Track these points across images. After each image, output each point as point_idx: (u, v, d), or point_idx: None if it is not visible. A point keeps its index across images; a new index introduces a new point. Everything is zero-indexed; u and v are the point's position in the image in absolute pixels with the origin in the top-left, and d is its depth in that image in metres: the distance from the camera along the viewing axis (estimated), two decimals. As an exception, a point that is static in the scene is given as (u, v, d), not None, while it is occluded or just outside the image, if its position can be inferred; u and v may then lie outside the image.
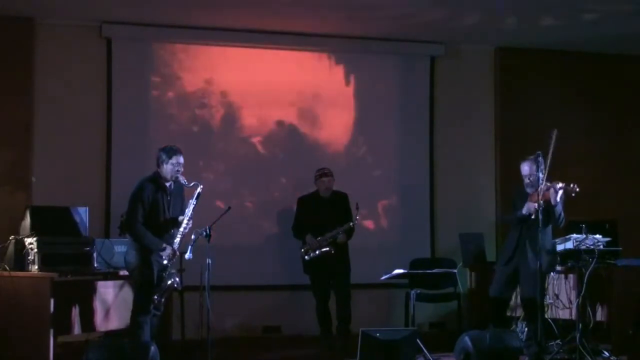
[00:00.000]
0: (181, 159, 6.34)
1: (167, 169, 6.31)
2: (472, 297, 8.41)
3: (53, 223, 6.85)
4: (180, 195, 6.48)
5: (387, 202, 8.95)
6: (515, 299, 7.32)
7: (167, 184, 6.36)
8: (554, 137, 6.56)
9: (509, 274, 6.96)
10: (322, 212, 7.74)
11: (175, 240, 6.30)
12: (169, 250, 6.25)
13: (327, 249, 7.61)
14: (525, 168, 6.91)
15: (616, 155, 9.43)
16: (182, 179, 6.34)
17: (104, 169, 8.23)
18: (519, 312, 7.43)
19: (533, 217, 6.78)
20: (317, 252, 7.64)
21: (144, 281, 6.23)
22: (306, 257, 7.68)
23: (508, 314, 7.35)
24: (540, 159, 6.73)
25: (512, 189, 7.41)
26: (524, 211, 6.84)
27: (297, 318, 8.41)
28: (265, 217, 8.65)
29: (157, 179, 6.34)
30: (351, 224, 7.62)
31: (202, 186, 6.36)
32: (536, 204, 6.67)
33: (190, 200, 6.34)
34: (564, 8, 7.90)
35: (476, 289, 8.37)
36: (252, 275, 8.44)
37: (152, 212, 6.26)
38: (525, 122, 9.19)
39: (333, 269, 7.73)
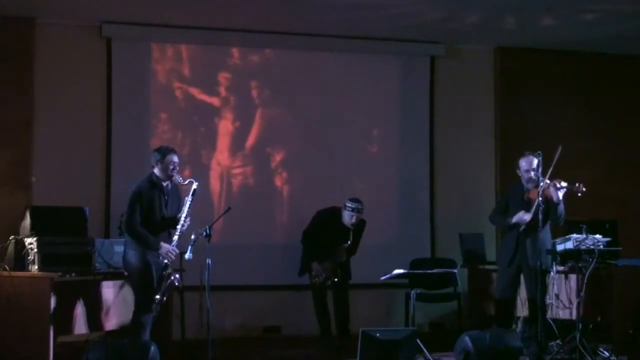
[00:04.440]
0: (175, 158, 6.40)
1: (162, 168, 6.36)
2: (472, 297, 8.41)
3: (53, 223, 6.84)
4: (177, 194, 6.54)
5: (387, 202, 8.94)
6: (514, 299, 7.33)
7: (164, 184, 6.40)
8: (558, 153, 6.55)
9: (512, 274, 6.96)
10: (338, 234, 7.74)
11: (173, 239, 6.33)
12: (167, 249, 6.26)
13: (332, 273, 7.73)
14: (524, 164, 6.91)
15: (616, 155, 9.43)
16: (177, 177, 6.39)
17: (104, 169, 8.23)
18: (519, 312, 7.43)
19: (522, 228, 6.79)
20: (323, 276, 7.72)
21: (144, 281, 6.25)
22: (315, 280, 7.78)
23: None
24: (540, 158, 6.74)
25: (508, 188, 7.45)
26: (515, 220, 6.85)
27: (297, 318, 8.41)
28: (266, 217, 8.65)
29: (153, 180, 6.39)
30: (346, 244, 7.69)
31: (197, 183, 6.42)
32: (527, 217, 6.70)
33: (186, 198, 6.39)
34: (564, 8, 7.90)
35: (476, 289, 8.37)
36: (252, 275, 8.44)
37: (149, 212, 6.31)
38: (525, 122, 9.20)
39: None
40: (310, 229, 7.96)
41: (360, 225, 7.88)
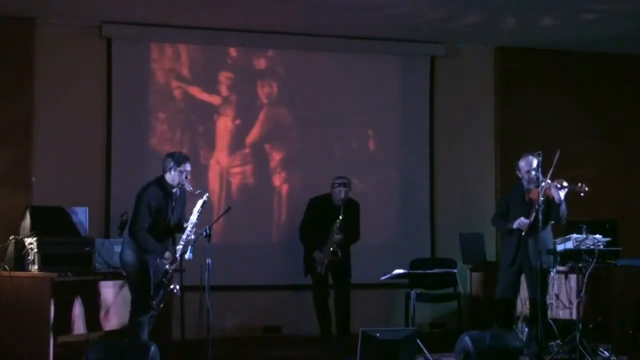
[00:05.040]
0: (188, 167, 6.34)
1: (175, 175, 6.29)
2: (472, 297, 8.42)
3: (53, 223, 6.85)
4: (182, 202, 6.50)
5: (387, 202, 8.94)
6: (516, 300, 7.32)
7: (173, 190, 6.36)
8: (557, 156, 6.56)
9: (514, 275, 6.96)
10: (332, 217, 7.73)
11: (177, 247, 6.29)
12: (169, 256, 6.25)
13: (333, 255, 7.67)
14: (523, 164, 6.91)
15: (616, 155, 9.43)
16: (189, 186, 6.34)
17: (104, 169, 8.23)
18: (519, 312, 7.43)
19: (523, 233, 6.78)
20: (326, 262, 7.69)
21: (141, 280, 6.23)
22: (319, 270, 7.73)
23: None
24: (540, 158, 6.74)
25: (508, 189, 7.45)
26: (515, 225, 6.85)
27: (297, 318, 8.41)
28: (266, 217, 8.65)
29: (163, 185, 6.33)
30: (338, 221, 7.66)
31: (207, 194, 6.36)
32: (527, 221, 6.70)
33: (195, 208, 6.33)
34: (564, 8, 7.90)
35: (476, 289, 8.38)
36: (252, 275, 8.44)
37: (156, 217, 6.26)
38: (525, 122, 9.19)
39: (334, 268, 7.75)
40: (305, 218, 7.99)
41: (353, 206, 7.89)
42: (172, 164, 6.30)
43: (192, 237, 6.31)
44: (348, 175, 8.19)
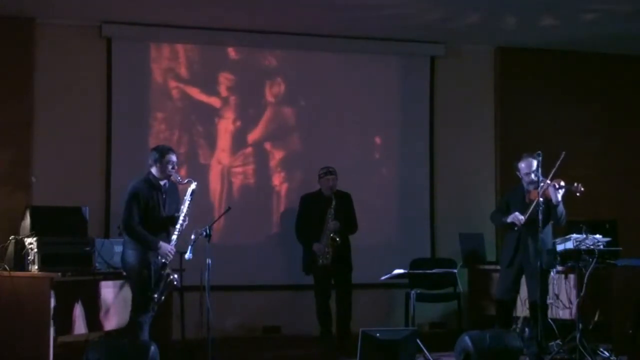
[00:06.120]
0: (174, 157, 6.40)
1: (161, 168, 6.35)
2: (472, 297, 8.42)
3: (53, 223, 6.84)
4: (175, 193, 6.55)
5: (387, 202, 8.95)
6: (515, 300, 7.32)
7: (162, 183, 6.39)
8: (560, 159, 6.56)
9: (513, 275, 6.96)
10: (325, 208, 7.73)
11: (172, 238, 6.32)
12: (166, 249, 6.26)
13: (332, 241, 7.63)
14: (523, 166, 6.92)
15: (616, 155, 9.42)
16: (176, 176, 6.39)
17: (104, 169, 8.23)
18: (520, 312, 7.43)
19: (516, 229, 6.79)
20: (326, 250, 7.65)
21: (142, 281, 6.24)
22: (321, 261, 7.69)
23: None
24: (540, 158, 6.74)
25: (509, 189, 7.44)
26: (509, 220, 6.85)
27: (297, 318, 8.41)
28: (266, 217, 8.65)
29: (150, 179, 6.38)
30: (332, 203, 7.67)
31: (196, 182, 6.42)
32: (522, 218, 6.71)
33: (185, 197, 6.39)
34: (564, 8, 7.90)
35: (476, 289, 8.37)
36: (252, 275, 8.44)
37: (148, 211, 6.30)
38: (525, 122, 9.20)
39: (335, 268, 7.75)
40: (299, 214, 7.99)
41: (344, 197, 7.88)
42: (156, 156, 6.38)
43: (192, 234, 6.33)
44: (349, 174, 8.20)
